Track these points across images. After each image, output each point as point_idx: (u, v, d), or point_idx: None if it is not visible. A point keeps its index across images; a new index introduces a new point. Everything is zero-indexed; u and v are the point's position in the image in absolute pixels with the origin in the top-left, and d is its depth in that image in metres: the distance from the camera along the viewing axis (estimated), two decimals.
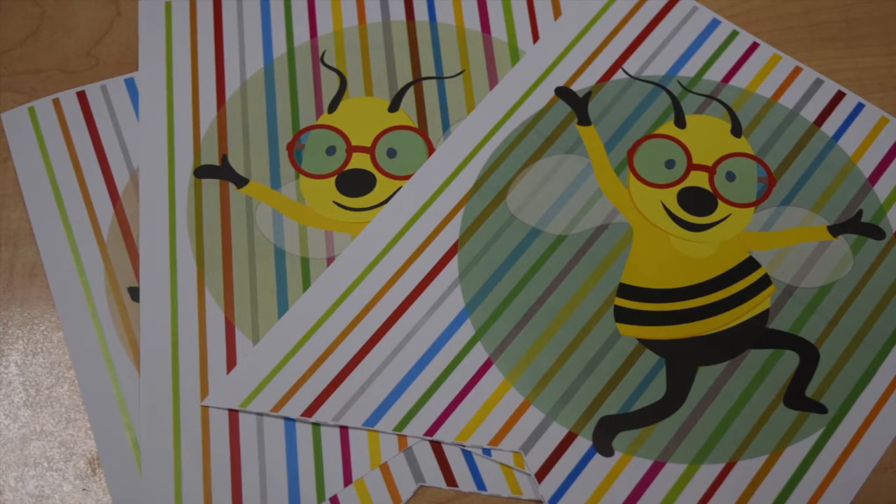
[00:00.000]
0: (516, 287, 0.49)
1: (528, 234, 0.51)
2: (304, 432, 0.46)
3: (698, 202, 0.52)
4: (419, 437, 0.46)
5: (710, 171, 0.52)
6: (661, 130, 0.54)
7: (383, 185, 0.52)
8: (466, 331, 0.48)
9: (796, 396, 0.48)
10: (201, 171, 0.52)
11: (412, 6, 0.57)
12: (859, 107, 0.54)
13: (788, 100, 0.54)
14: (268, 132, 0.53)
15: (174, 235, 0.50)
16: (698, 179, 0.52)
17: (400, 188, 0.52)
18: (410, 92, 0.54)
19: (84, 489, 0.46)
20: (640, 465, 0.46)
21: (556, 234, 0.51)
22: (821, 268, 0.50)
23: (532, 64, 0.55)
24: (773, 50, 0.56)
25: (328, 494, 0.45)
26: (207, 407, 0.47)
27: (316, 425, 0.46)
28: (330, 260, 0.50)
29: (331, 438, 0.46)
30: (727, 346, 0.49)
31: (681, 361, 0.48)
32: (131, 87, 0.54)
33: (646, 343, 0.49)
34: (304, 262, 0.50)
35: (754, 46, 0.56)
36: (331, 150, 0.53)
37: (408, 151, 0.53)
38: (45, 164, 0.52)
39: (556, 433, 0.46)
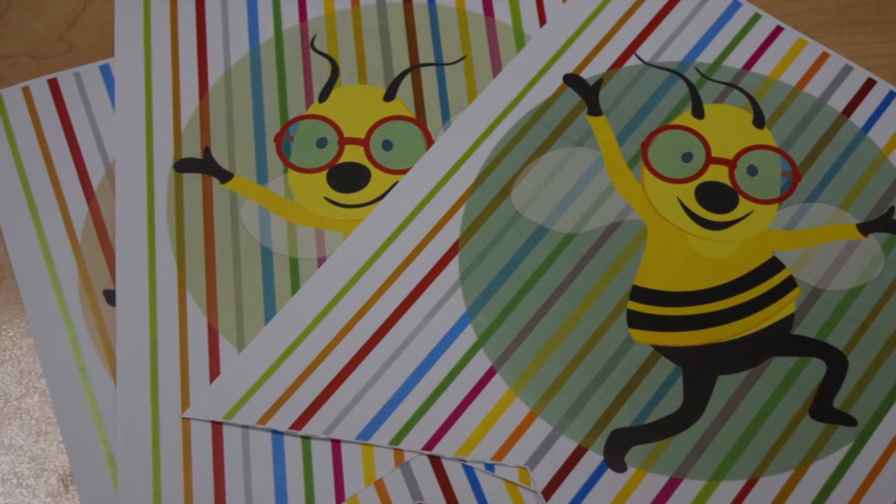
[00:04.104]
0: (521, 290, 0.49)
1: (534, 232, 0.51)
2: (292, 447, 0.46)
3: (718, 198, 0.52)
4: (417, 452, 0.46)
5: (731, 164, 0.52)
6: (677, 121, 0.53)
7: (378, 180, 0.52)
8: (468, 337, 0.48)
9: (823, 408, 0.48)
10: (182, 165, 0.52)
11: None
12: (891, 95, 0.54)
13: (815, 88, 0.54)
14: (254, 123, 0.53)
15: (153, 234, 0.50)
16: (718, 174, 0.52)
17: (396, 183, 0.52)
18: (408, 79, 0.54)
19: None
20: (654, 482, 0.46)
21: (565, 232, 0.51)
22: (850, 269, 0.50)
23: (538, 49, 0.55)
24: (798, 34, 0.56)
25: None
26: (188, 419, 0.47)
27: (305, 439, 0.46)
28: (321, 260, 0.50)
29: (321, 453, 0.46)
30: (749, 354, 0.49)
31: (699, 370, 0.48)
32: (107, 74, 0.54)
33: (661, 350, 0.49)
34: (293, 263, 0.50)
35: (778, 30, 0.56)
36: (322, 143, 0.53)
37: (405, 144, 0.53)
38: (13, 158, 0.52)
39: (565, 447, 0.46)
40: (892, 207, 0.52)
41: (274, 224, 0.51)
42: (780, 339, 0.49)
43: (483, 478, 0.46)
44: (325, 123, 0.53)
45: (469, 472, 0.46)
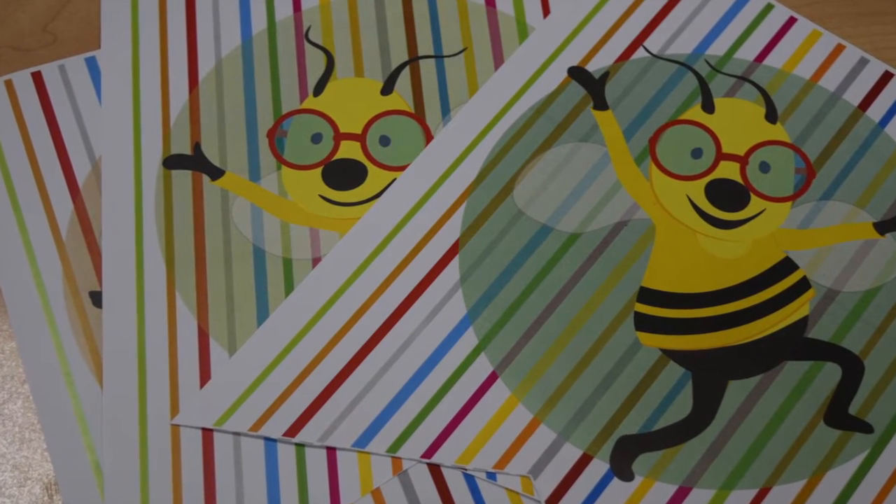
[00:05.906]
0: (524, 291, 0.49)
1: (538, 231, 0.51)
2: (286, 454, 0.46)
3: (728, 196, 0.51)
4: (415, 460, 0.46)
5: (742, 161, 0.52)
6: (686, 116, 0.53)
7: (375, 177, 0.52)
8: (469, 340, 0.48)
9: (838, 414, 0.48)
10: (171, 161, 0.52)
11: None
12: None
13: (830, 81, 0.54)
14: (246, 118, 0.53)
15: (140, 233, 0.50)
16: (728, 170, 0.52)
17: (394, 180, 0.52)
18: (406, 73, 0.54)
19: None
20: (663, 491, 0.46)
21: (569, 231, 0.51)
22: (866, 270, 0.50)
23: (542, 41, 0.55)
24: (812, 25, 0.56)
25: None
26: (178, 426, 0.46)
27: (300, 446, 0.46)
28: (315, 261, 0.50)
29: (316, 461, 0.46)
30: (761, 358, 0.48)
31: (709, 375, 0.48)
32: (93, 66, 0.54)
33: (669, 354, 0.48)
34: (287, 264, 0.50)
35: (791, 21, 0.56)
36: (316, 138, 0.53)
37: (403, 139, 0.53)
38: None
39: (570, 455, 0.46)
40: None
41: (267, 223, 0.51)
42: (794, 343, 0.49)
43: (484, 487, 0.46)
44: (320, 118, 0.53)
45: (470, 480, 0.46)
